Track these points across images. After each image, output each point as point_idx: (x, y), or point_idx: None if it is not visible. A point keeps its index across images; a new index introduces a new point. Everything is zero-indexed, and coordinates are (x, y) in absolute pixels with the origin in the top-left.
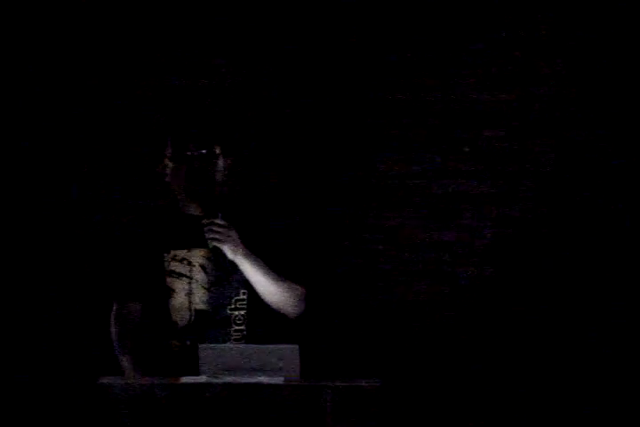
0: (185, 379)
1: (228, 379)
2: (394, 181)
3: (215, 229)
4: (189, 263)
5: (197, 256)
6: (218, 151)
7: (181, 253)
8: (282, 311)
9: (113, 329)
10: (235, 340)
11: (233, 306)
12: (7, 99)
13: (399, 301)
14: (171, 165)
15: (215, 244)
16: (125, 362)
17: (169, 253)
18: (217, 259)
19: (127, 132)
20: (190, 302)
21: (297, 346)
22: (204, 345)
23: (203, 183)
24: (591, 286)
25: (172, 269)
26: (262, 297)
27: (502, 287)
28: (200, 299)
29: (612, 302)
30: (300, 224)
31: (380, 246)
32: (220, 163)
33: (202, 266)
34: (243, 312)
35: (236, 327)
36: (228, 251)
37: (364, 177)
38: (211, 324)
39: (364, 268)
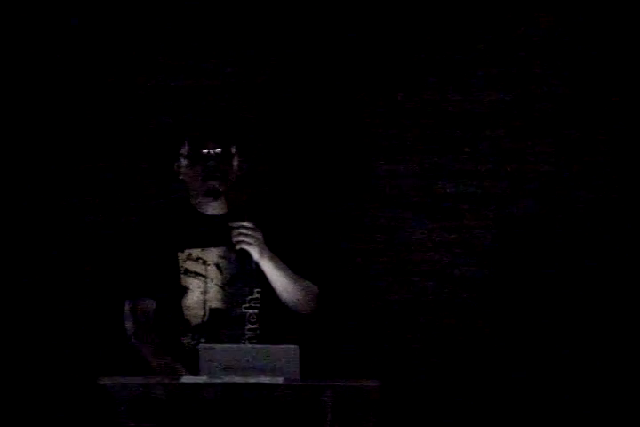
0: (185, 379)
1: (228, 379)
2: (394, 181)
3: (244, 231)
4: (204, 262)
5: (212, 255)
6: (233, 150)
7: (196, 251)
8: (297, 310)
9: (129, 324)
10: (248, 339)
11: (247, 305)
12: (11, 99)
13: (399, 301)
14: (186, 162)
15: (243, 246)
16: (146, 350)
17: (183, 251)
18: (231, 258)
19: (141, 131)
20: (205, 301)
21: (297, 346)
22: (203, 345)
23: (218, 179)
24: (591, 285)
25: (187, 267)
26: (280, 296)
27: (502, 287)
28: (215, 297)
29: (612, 302)
30: (302, 224)
31: (380, 246)
32: (236, 161)
33: (217, 265)
34: (256, 311)
35: (250, 326)
36: (256, 253)
37: (364, 177)
38: (225, 322)
39: (364, 268)
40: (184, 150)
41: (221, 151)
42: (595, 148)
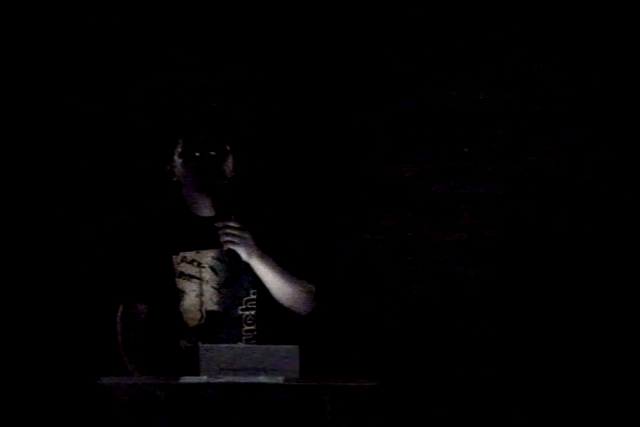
0: (185, 379)
1: (228, 379)
2: (394, 181)
3: (230, 231)
4: (199, 265)
5: (207, 257)
6: (228, 148)
7: (190, 254)
8: (293, 310)
9: (119, 330)
10: (246, 340)
11: (244, 306)
12: (10, 99)
13: (399, 301)
14: (180, 161)
15: (230, 246)
16: (131, 368)
17: (177, 254)
18: (226, 259)
19: (135, 133)
20: (201, 304)
21: (297, 346)
22: (203, 345)
23: (213, 173)
24: (591, 285)
25: (182, 270)
26: (275, 296)
27: (502, 287)
28: (211, 300)
29: (612, 301)
30: (302, 224)
31: (381, 246)
32: (230, 160)
33: (211, 267)
34: (253, 312)
35: (247, 327)
36: (244, 253)
37: (365, 177)
38: (222, 324)
39: (364, 268)
40: (178, 150)
41: (216, 149)
42: (595, 148)
